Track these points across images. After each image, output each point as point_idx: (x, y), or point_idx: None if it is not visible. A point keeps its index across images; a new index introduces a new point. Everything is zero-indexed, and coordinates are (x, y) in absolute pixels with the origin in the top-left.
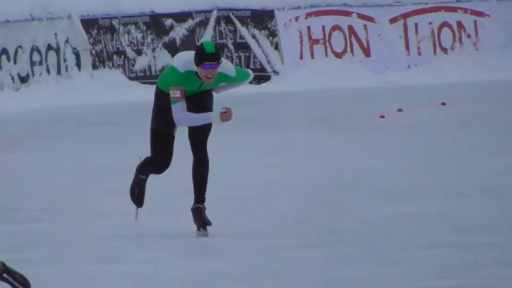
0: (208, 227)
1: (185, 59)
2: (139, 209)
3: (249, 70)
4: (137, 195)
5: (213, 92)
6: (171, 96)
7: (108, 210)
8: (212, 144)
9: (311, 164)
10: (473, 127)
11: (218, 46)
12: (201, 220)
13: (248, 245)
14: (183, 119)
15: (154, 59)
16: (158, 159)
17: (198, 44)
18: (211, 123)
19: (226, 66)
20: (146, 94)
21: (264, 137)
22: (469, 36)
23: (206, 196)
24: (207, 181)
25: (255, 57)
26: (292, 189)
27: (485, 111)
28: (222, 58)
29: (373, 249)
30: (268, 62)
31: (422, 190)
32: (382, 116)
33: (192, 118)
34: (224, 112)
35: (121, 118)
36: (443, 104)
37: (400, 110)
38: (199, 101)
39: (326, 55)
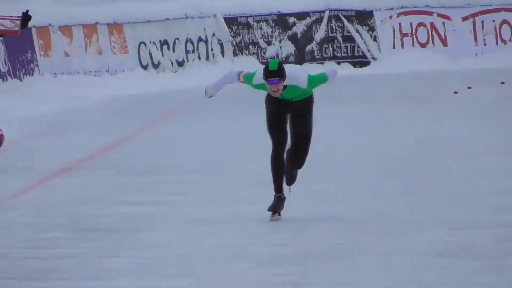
0: None
1: (258, 74)
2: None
3: (326, 72)
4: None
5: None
6: (240, 79)
7: (247, 167)
8: (323, 114)
9: (400, 130)
10: None
11: (282, 64)
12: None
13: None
14: (210, 87)
15: (280, 48)
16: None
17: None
18: (309, 125)
19: (297, 79)
20: None
21: (364, 108)
22: None
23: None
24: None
25: (358, 47)
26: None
27: None
28: (288, 75)
29: None
30: (368, 50)
31: (492, 148)
32: (455, 92)
33: (215, 85)
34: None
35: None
36: (503, 83)
37: (469, 87)
38: (294, 109)
39: (413, 45)
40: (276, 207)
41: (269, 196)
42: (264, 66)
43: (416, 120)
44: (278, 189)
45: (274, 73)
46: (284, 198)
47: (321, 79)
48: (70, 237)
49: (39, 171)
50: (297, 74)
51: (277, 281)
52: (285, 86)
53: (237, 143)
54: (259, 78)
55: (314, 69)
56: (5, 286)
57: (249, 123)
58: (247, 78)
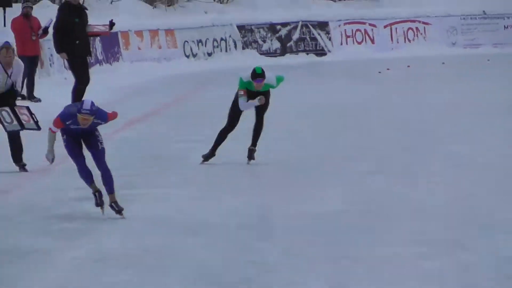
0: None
1: (247, 75)
2: None
3: (282, 75)
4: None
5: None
6: (239, 94)
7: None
8: (303, 84)
9: (344, 95)
10: None
11: (263, 69)
12: (250, 157)
13: None
14: (243, 106)
15: (271, 45)
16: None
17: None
18: (268, 106)
19: (270, 79)
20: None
21: (322, 80)
22: None
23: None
24: (260, 135)
25: (319, 44)
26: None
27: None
28: (266, 76)
29: None
30: (325, 46)
31: (399, 104)
32: (379, 72)
33: (246, 104)
34: (259, 99)
35: None
36: (408, 66)
37: (388, 69)
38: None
39: (353, 43)
40: (208, 157)
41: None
42: (251, 71)
43: (355, 89)
44: (214, 149)
45: (260, 75)
46: (214, 155)
47: (281, 79)
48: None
49: (125, 118)
50: (270, 76)
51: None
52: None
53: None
54: (246, 78)
55: (291, 60)
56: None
57: None
58: (241, 85)
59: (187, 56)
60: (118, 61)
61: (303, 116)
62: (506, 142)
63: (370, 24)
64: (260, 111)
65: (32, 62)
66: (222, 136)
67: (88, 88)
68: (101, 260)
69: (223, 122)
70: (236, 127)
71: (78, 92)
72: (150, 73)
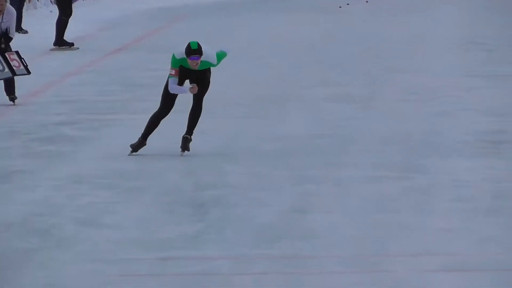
0: (186, 152)
1: (181, 51)
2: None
3: (226, 50)
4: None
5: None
6: (169, 73)
7: None
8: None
9: (308, 27)
10: None
11: (200, 44)
12: (184, 147)
13: None
14: (173, 89)
15: None
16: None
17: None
18: (208, 87)
19: (210, 56)
20: None
21: (290, 13)
22: None
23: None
24: (197, 122)
25: None
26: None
27: None
28: (204, 53)
29: None
30: None
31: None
32: (340, 7)
33: (176, 88)
34: (191, 88)
35: None
36: (367, 2)
37: (348, 4)
38: (199, 76)
39: None
40: (137, 147)
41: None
42: (186, 45)
43: (318, 22)
44: (145, 137)
45: (195, 51)
46: (144, 144)
47: (223, 56)
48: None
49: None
50: (210, 52)
51: None
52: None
53: None
54: (180, 54)
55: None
56: None
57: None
58: (173, 63)
59: None
60: None
61: (272, 47)
62: (462, 73)
63: None
64: (198, 94)
65: None
66: (154, 122)
67: (70, 20)
68: (80, 181)
69: None
70: (171, 111)
71: (61, 23)
72: (131, 6)
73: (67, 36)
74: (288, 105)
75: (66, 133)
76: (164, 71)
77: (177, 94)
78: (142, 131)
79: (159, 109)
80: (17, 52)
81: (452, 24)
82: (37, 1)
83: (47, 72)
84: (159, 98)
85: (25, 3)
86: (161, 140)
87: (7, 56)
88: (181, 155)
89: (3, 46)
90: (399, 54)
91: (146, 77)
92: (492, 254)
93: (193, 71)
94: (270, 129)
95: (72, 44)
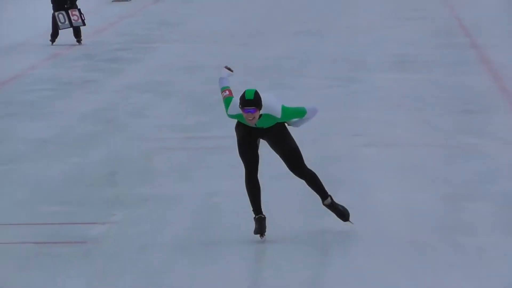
0: None
1: (233, 103)
2: None
3: (306, 108)
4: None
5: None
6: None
7: None
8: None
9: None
10: None
11: (258, 93)
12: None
13: None
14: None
15: None
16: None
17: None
18: (293, 146)
19: (272, 109)
20: None
21: None
22: None
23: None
24: (320, 183)
25: None
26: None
27: None
28: (264, 104)
29: None
30: None
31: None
32: None
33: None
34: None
35: None
36: None
37: None
38: (271, 135)
39: None
40: (261, 229)
41: None
42: (240, 95)
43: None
44: (257, 210)
45: (250, 102)
46: (264, 218)
47: (298, 113)
48: None
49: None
50: (272, 103)
51: None
52: (260, 115)
53: None
54: (234, 107)
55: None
56: None
57: None
58: (226, 102)
59: None
60: None
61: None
62: (384, 16)
63: None
64: (289, 164)
65: None
66: (252, 188)
67: None
68: (130, 87)
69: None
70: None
71: None
72: None
73: None
74: (267, 36)
75: (122, 56)
76: (192, 10)
77: (256, 146)
78: (252, 209)
79: (246, 172)
80: (79, 10)
81: None
82: None
83: (110, 15)
84: (185, 31)
85: None
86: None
87: (69, 12)
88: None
89: (67, 5)
90: (345, 2)
91: (176, 18)
92: (398, 134)
93: (262, 130)
94: (253, 52)
95: None
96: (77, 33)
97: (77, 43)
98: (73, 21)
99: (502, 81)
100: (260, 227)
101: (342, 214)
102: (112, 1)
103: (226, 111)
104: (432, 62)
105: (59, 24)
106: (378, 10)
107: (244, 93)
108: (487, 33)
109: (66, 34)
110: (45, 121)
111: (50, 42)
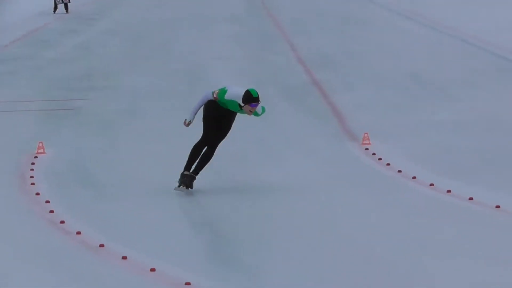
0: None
1: (234, 93)
2: None
3: (264, 107)
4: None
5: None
6: (212, 94)
7: None
8: None
9: None
10: None
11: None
12: (188, 184)
13: None
14: (199, 102)
15: None
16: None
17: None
18: (227, 133)
19: (259, 107)
20: None
21: None
22: None
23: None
24: (204, 166)
25: None
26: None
27: None
28: (237, 93)
29: None
30: None
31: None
32: None
33: (196, 107)
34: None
35: None
36: None
37: None
38: (227, 116)
39: None
40: (186, 183)
41: None
42: (245, 92)
43: None
44: (189, 169)
45: (257, 99)
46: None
47: (263, 109)
48: None
49: None
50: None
51: None
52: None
53: None
54: (232, 95)
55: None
56: None
57: None
58: (220, 95)
59: None
60: None
61: None
62: None
63: None
64: (216, 137)
65: None
66: (197, 152)
67: None
68: (108, 33)
69: None
70: (227, 136)
71: None
72: None
73: None
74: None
75: (97, 15)
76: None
77: (218, 119)
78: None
79: (202, 139)
80: None
81: None
82: None
83: None
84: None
85: None
86: None
87: None
88: (185, 191)
89: None
90: None
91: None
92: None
93: (228, 111)
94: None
95: None
96: (66, 8)
97: (66, 13)
98: (64, 1)
99: None
100: (190, 182)
101: (183, 182)
102: None
103: (222, 97)
104: None
105: (57, 2)
106: None
107: (249, 92)
108: None
109: (61, 9)
110: (55, 48)
111: (53, 12)
